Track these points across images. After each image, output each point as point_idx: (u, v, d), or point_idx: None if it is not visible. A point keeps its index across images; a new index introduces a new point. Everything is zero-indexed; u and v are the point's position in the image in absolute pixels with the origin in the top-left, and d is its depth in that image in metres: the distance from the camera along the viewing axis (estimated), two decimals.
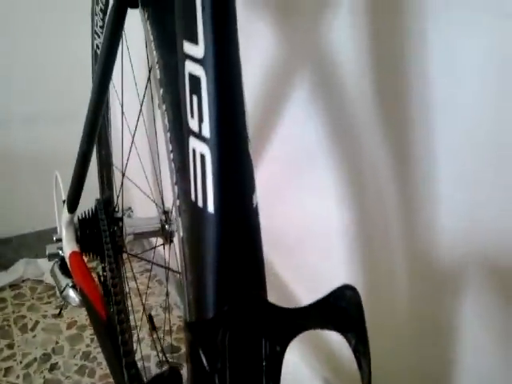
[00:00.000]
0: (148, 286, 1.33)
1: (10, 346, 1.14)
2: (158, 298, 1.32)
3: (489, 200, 0.43)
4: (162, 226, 0.75)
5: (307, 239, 0.69)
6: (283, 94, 0.64)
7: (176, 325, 1.19)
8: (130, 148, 0.77)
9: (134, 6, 0.43)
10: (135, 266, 1.44)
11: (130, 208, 1.65)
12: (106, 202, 0.72)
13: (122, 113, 0.84)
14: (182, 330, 1.16)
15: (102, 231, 0.66)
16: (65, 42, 1.31)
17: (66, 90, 1.31)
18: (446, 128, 0.46)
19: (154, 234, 0.76)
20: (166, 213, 0.75)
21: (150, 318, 0.95)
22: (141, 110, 0.72)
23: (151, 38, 0.40)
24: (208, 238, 0.30)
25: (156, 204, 0.78)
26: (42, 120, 1.37)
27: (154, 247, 0.89)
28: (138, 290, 1.12)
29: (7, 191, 1.40)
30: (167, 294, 1.20)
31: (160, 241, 0.78)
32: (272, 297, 0.30)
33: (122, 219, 0.72)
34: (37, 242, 1.42)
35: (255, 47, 0.67)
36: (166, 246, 0.77)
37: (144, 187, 0.89)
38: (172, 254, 0.69)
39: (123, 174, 0.85)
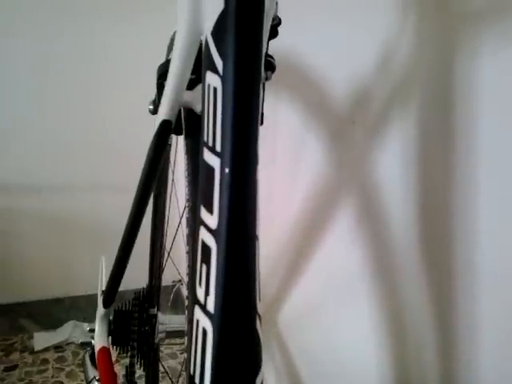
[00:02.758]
0: (182, 370, 1.29)
1: None
2: None
3: None
4: None
5: (341, 366, 0.64)
6: (328, 213, 0.62)
7: None
8: (175, 233, 0.77)
9: (179, 134, 0.44)
10: (177, 341, 1.42)
11: (180, 281, 1.65)
12: (143, 297, 0.72)
13: (172, 186, 0.85)
14: None
15: (132, 331, 0.65)
16: (135, 121, 1.38)
17: (133, 162, 1.37)
18: (491, 292, 0.41)
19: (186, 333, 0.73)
20: None
21: None
22: (180, 220, 0.72)
23: (186, 173, 0.40)
24: None
25: None
26: (107, 189, 1.43)
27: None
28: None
29: (65, 253, 1.46)
30: None
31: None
32: None
33: (156, 316, 0.71)
34: (87, 305, 1.45)
35: (305, 159, 0.66)
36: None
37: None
38: None
39: (168, 253, 0.85)
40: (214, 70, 0.27)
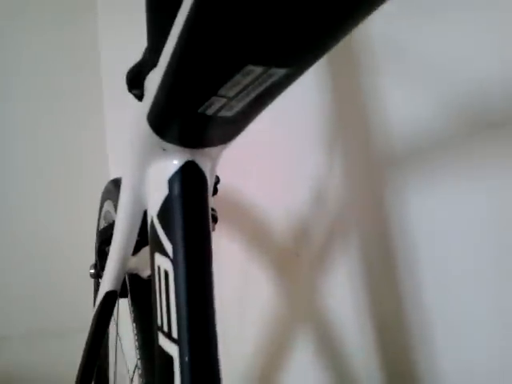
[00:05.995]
0: None
1: None
2: None
3: None
4: None
5: None
6: (283, 347, 0.60)
7: None
8: None
9: (123, 296, 0.42)
10: None
11: None
12: None
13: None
14: None
15: None
16: (69, 254, 1.32)
17: (70, 303, 1.28)
18: None
19: None
20: None
21: None
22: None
23: (135, 344, 0.37)
24: None
25: None
26: (43, 335, 1.31)
27: None
28: None
29: None
30: None
31: None
32: None
33: None
34: None
35: (252, 292, 0.65)
36: None
37: None
38: None
39: None
40: (164, 253, 0.27)
